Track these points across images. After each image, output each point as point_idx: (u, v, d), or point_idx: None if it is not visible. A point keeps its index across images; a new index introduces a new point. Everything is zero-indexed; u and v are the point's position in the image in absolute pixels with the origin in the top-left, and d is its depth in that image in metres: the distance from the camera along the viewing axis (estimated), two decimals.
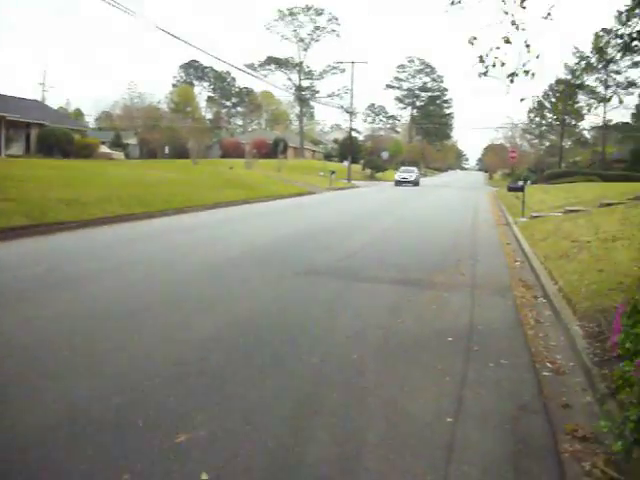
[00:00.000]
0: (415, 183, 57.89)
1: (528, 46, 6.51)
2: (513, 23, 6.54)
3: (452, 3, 6.93)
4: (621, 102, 65.26)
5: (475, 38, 6.63)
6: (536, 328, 7.64)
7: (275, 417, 4.64)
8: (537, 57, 6.53)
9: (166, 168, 38.28)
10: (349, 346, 6.49)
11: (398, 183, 57.19)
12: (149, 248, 13.32)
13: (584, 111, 67.42)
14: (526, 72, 6.64)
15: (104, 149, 57.10)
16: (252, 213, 23.07)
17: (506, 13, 6.52)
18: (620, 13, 5.12)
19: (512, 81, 6.78)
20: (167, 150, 70.09)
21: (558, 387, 5.62)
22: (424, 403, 5.00)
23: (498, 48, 6.63)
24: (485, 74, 6.76)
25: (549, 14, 6.52)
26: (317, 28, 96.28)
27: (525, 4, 6.48)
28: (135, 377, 5.39)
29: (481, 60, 6.71)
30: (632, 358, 4.42)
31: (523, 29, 6.55)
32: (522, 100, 7.13)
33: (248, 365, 5.80)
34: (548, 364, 6.26)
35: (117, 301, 8.25)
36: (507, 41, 6.58)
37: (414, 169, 63.79)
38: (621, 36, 4.89)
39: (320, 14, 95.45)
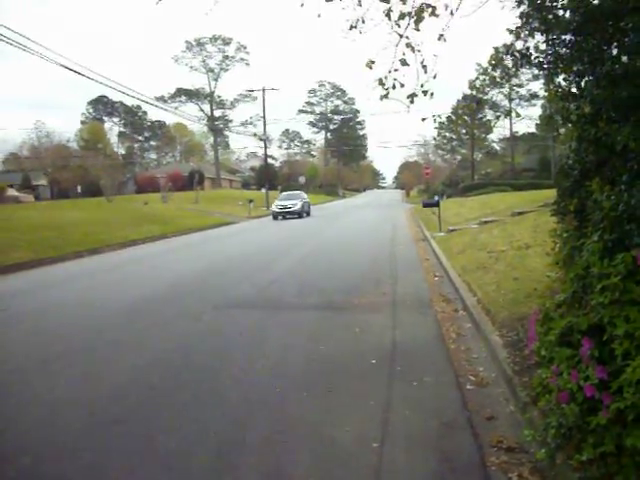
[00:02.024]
0: (301, 213, 41.97)
1: (425, 67, 6.66)
2: (408, 45, 6.68)
3: (350, 28, 7.01)
4: (518, 116, 67.95)
5: (373, 62, 6.72)
6: (458, 342, 7.72)
7: (198, 460, 4.48)
8: (434, 77, 6.68)
9: (79, 208, 37.25)
10: (272, 379, 6.36)
11: (278, 215, 41.48)
12: (60, 293, 12.84)
13: (491, 124, 69.97)
14: (425, 92, 6.77)
15: (12, 192, 55.26)
16: (169, 248, 22.67)
17: (401, 36, 6.65)
18: (511, 31, 5.29)
19: (412, 102, 6.90)
20: (80, 189, 68.37)
21: (482, 400, 5.65)
22: (349, 430, 4.93)
23: (396, 70, 6.75)
24: (386, 96, 6.86)
25: (442, 35, 6.69)
26: (226, 57, 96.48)
27: (420, 26, 6.64)
28: (46, 432, 5.13)
29: (381, 83, 6.80)
30: (548, 365, 4.49)
31: (419, 50, 6.70)
32: (423, 120, 7.22)
33: (168, 408, 5.60)
34: (471, 377, 6.31)
35: (25, 351, 7.90)
36: (404, 63, 6.70)
37: (299, 194, 47.20)
38: (512, 53, 5.05)
39: (228, 43, 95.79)
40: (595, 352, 3.74)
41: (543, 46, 5.07)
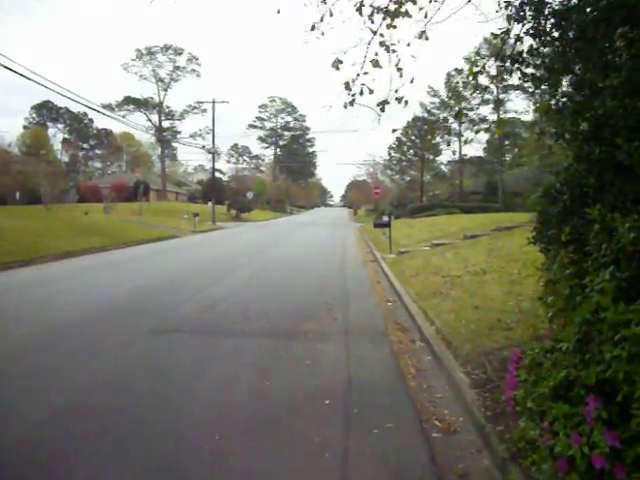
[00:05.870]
0: None
1: (400, 69, 5.91)
2: (382, 44, 5.93)
3: (312, 29, 6.29)
4: (477, 132, 68.97)
5: (340, 61, 5.94)
6: (418, 378, 7.04)
7: None
8: (411, 81, 5.94)
9: (15, 215, 35.47)
10: (210, 423, 5.49)
11: None
12: None
13: (441, 146, 70.63)
14: (399, 99, 6.00)
15: None
16: (108, 262, 21.32)
17: (374, 33, 5.91)
18: (496, 36, 4.66)
19: (383, 110, 6.13)
20: (18, 196, 65.81)
21: (451, 451, 4.98)
22: None
23: (366, 73, 6.00)
24: (352, 103, 6.09)
25: (423, 32, 5.97)
26: (177, 68, 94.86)
27: (397, 23, 5.92)
28: None
29: (347, 87, 6.03)
30: (534, 419, 3.88)
31: (394, 51, 5.97)
32: (394, 131, 6.56)
33: (87, 458, 4.69)
34: (437, 422, 5.63)
35: None
36: (376, 64, 5.95)
37: None
38: (502, 58, 4.40)
39: (180, 54, 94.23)
40: (603, 413, 3.11)
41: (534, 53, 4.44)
